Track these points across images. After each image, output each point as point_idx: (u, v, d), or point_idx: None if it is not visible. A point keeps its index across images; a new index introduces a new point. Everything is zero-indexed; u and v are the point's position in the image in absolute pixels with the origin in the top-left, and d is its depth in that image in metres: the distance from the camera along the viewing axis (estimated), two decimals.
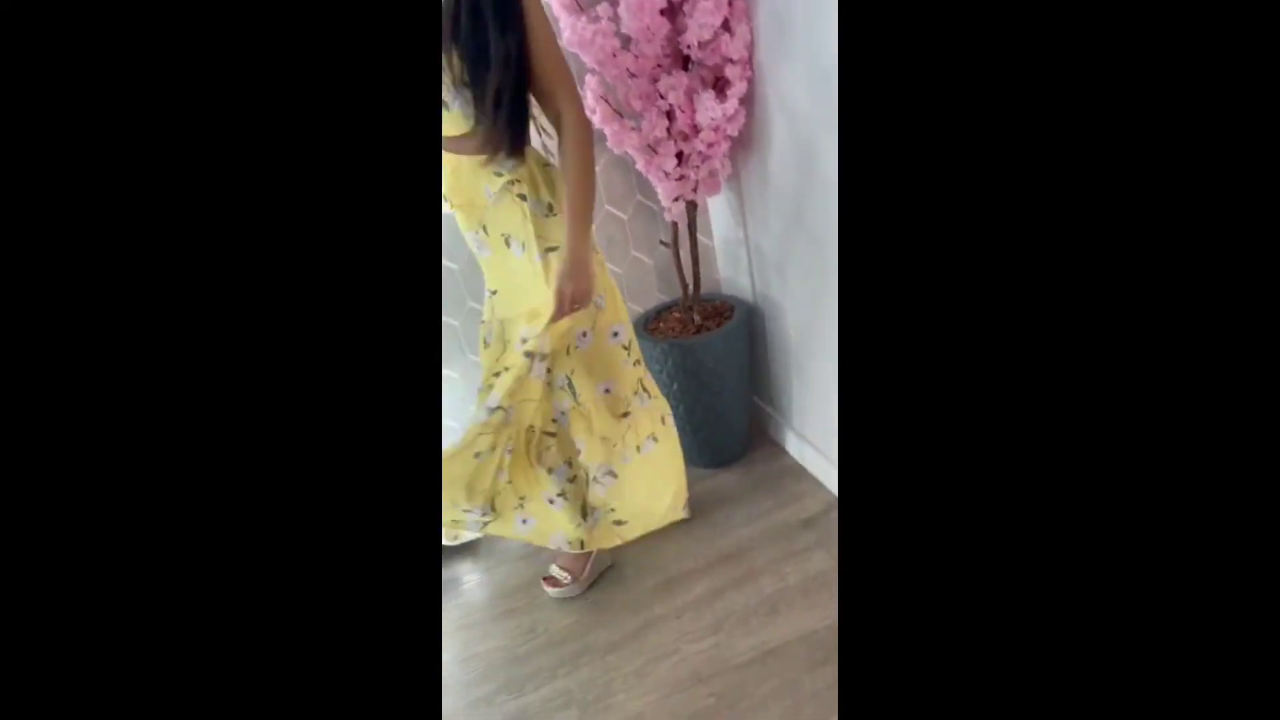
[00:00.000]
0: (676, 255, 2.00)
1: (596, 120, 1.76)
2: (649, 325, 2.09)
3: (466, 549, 2.03)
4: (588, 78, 1.74)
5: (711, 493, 2.03)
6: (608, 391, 1.63)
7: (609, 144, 1.79)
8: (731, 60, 1.60)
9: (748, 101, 1.70)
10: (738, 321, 1.98)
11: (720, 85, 1.68)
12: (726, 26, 1.58)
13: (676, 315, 2.11)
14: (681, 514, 1.90)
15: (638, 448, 1.70)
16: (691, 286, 2.05)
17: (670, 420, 1.75)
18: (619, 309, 1.57)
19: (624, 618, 1.66)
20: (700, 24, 1.51)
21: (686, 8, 1.56)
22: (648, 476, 1.74)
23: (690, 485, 1.93)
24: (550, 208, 1.40)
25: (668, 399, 2.03)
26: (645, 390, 1.68)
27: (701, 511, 1.95)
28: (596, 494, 1.71)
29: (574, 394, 1.58)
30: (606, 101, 1.75)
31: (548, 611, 1.74)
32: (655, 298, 2.27)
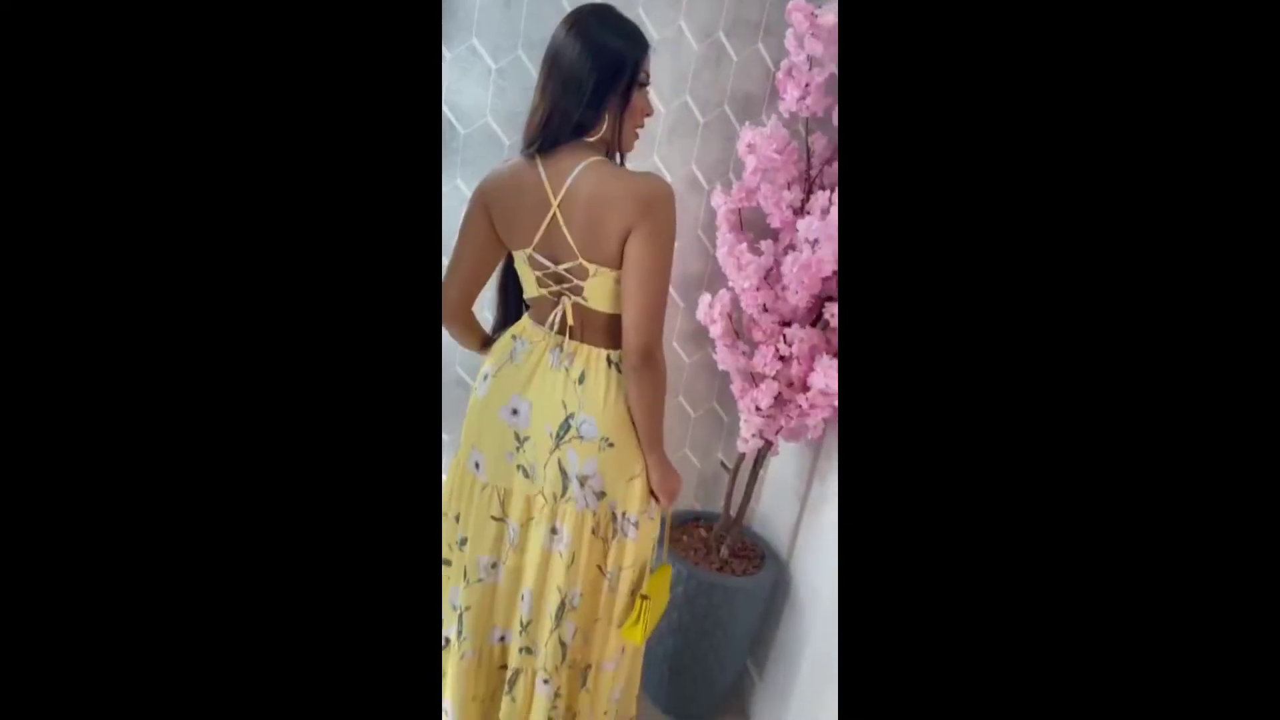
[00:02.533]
0: (731, 483, 1.90)
1: (714, 332, 1.73)
2: (672, 532, 1.96)
3: None
4: (722, 292, 1.72)
5: None
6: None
7: (715, 357, 1.75)
8: None
9: None
10: (764, 579, 1.84)
11: None
12: None
13: (703, 535, 1.98)
14: None
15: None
16: (734, 518, 1.93)
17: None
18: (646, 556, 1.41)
19: None
20: None
21: None
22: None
23: None
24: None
25: (661, 627, 1.86)
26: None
27: None
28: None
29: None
30: (729, 319, 1.73)
31: None
32: (689, 503, 2.15)
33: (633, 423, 1.28)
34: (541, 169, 1.19)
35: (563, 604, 1.30)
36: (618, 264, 1.18)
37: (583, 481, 1.27)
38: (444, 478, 1.43)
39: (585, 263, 1.20)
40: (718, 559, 1.89)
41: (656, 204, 1.14)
